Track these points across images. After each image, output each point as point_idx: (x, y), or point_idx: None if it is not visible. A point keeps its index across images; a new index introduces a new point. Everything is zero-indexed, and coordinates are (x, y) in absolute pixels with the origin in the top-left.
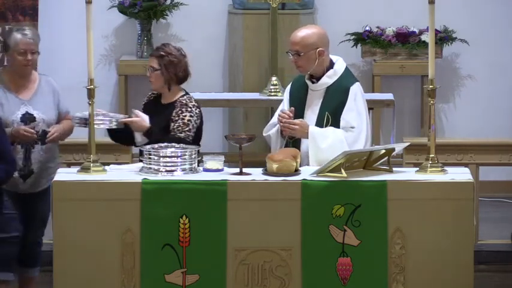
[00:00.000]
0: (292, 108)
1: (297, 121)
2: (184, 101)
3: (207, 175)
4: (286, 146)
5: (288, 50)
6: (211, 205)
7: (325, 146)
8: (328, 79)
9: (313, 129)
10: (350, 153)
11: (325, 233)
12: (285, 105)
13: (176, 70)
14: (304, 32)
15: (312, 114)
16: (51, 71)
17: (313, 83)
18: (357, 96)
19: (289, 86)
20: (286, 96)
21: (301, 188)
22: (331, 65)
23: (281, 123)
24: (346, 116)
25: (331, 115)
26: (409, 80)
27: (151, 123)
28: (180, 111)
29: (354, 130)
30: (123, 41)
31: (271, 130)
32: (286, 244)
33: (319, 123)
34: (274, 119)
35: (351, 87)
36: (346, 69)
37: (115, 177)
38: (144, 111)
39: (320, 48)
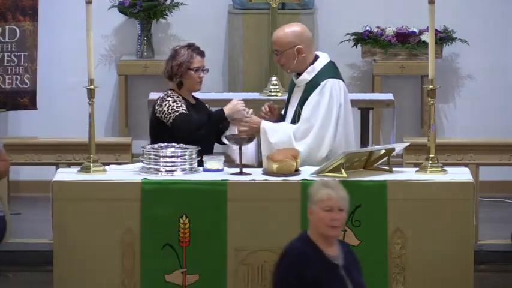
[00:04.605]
0: (267, 104)
1: (247, 119)
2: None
3: (207, 175)
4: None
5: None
6: (211, 205)
7: (274, 140)
8: (307, 75)
9: (264, 124)
10: (350, 153)
11: None
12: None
13: None
14: (282, 32)
15: (291, 109)
16: (51, 71)
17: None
18: (324, 92)
19: None
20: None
21: (301, 188)
22: (314, 61)
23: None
24: (303, 109)
25: (301, 110)
26: (409, 80)
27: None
28: (209, 107)
29: (301, 123)
30: (123, 41)
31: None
32: (286, 244)
33: (293, 119)
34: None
35: (322, 83)
36: (328, 65)
37: (115, 177)
38: (193, 110)
39: (298, 46)
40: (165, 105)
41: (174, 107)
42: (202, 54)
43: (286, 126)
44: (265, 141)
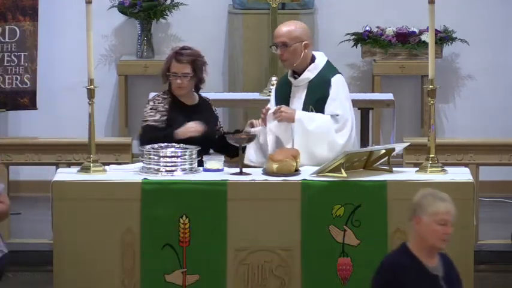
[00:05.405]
0: (268, 106)
1: (281, 110)
2: (209, 99)
3: (207, 175)
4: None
5: (272, 44)
6: (211, 205)
7: (312, 128)
8: (310, 73)
9: (299, 113)
10: (350, 153)
11: (325, 233)
12: (271, 106)
13: (204, 71)
14: (290, 25)
15: (298, 108)
16: (51, 71)
17: (295, 78)
18: (339, 87)
19: (274, 88)
20: (272, 97)
21: (301, 188)
22: (312, 60)
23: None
24: (330, 106)
25: (314, 108)
26: (409, 80)
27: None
28: (215, 109)
29: (339, 118)
30: (123, 41)
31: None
32: (286, 244)
33: None
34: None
35: (332, 79)
36: (328, 62)
37: (115, 177)
38: (174, 113)
39: (305, 42)
40: (144, 109)
41: (147, 116)
42: (181, 60)
43: (322, 116)
44: (301, 128)
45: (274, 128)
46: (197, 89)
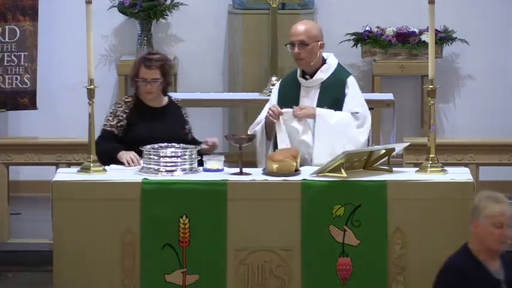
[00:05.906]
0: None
1: (302, 107)
2: (177, 101)
3: (207, 175)
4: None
5: (288, 42)
6: (211, 205)
7: (334, 122)
8: (322, 74)
9: (320, 109)
10: (350, 153)
11: (325, 233)
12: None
13: (171, 75)
14: (307, 24)
15: None
16: (51, 71)
17: (306, 79)
18: (355, 87)
19: (277, 86)
20: (274, 96)
21: (301, 188)
22: (323, 61)
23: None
24: (348, 105)
25: (329, 109)
26: (409, 80)
27: (156, 128)
28: (185, 113)
29: (359, 115)
30: (123, 41)
31: (255, 128)
32: (286, 244)
33: None
34: (260, 117)
35: (348, 79)
36: (339, 64)
37: (115, 177)
38: (135, 116)
39: (321, 42)
40: (109, 111)
41: (106, 120)
42: (150, 66)
43: (341, 112)
44: (323, 123)
45: (291, 128)
46: (164, 92)
